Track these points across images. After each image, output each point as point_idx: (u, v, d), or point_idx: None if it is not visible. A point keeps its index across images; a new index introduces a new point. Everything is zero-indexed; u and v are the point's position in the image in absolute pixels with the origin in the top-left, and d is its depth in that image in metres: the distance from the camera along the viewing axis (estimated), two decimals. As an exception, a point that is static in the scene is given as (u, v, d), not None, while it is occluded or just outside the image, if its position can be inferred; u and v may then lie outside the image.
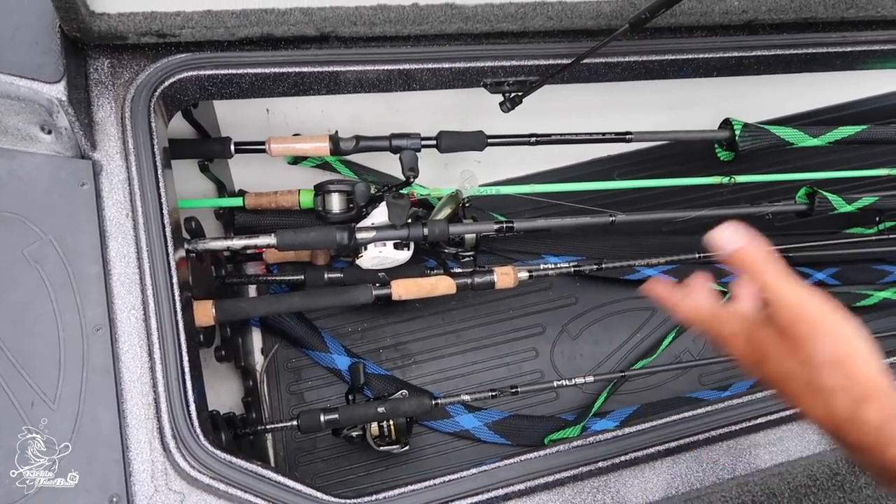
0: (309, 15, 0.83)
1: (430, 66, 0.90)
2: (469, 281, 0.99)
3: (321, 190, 1.07)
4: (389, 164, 1.24)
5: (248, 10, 0.82)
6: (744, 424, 0.82)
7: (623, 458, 0.78)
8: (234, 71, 0.85)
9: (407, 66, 0.89)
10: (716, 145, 1.18)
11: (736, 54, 0.99)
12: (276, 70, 0.86)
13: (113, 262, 0.76)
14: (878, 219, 1.21)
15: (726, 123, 1.15)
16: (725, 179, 1.18)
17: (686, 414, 0.81)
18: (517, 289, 1.29)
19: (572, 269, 1.04)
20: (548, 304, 1.30)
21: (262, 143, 1.03)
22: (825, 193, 1.12)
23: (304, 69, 0.87)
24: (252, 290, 1.26)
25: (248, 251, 1.23)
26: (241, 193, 1.15)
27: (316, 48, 0.87)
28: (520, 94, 0.98)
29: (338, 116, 1.17)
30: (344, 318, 1.26)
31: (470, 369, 1.24)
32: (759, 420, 0.82)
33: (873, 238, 1.22)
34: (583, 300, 1.30)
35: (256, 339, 1.25)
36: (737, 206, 1.16)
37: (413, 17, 0.86)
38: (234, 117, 1.14)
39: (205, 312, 0.90)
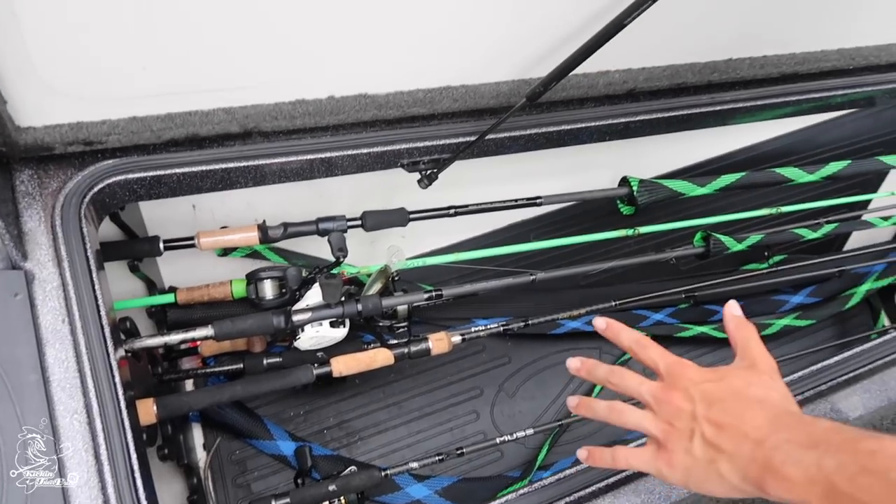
0: (231, 114, 0.89)
1: (349, 152, 0.97)
2: (405, 350, 1.03)
3: (253, 278, 1.10)
4: (318, 247, 1.29)
5: (173, 113, 0.87)
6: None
7: (568, 500, 0.82)
8: (161, 172, 0.89)
9: (328, 154, 0.95)
10: (618, 201, 1.29)
11: (623, 120, 1.10)
12: (203, 168, 0.90)
13: (52, 368, 0.76)
14: (766, 254, 1.34)
15: (624, 181, 1.26)
16: (630, 231, 1.28)
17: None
18: (453, 354, 1.34)
19: (501, 329, 1.10)
20: (483, 366, 1.35)
21: (191, 239, 1.06)
22: (718, 236, 1.23)
23: (230, 165, 0.91)
24: (190, 386, 1.25)
25: (185, 346, 1.24)
26: (172, 290, 1.17)
27: (240, 144, 0.92)
28: (435, 170, 1.05)
29: (264, 206, 1.22)
30: (285, 403, 1.26)
31: (415, 439, 1.26)
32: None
33: (766, 272, 1.34)
34: (515, 359, 1.36)
35: (198, 434, 1.23)
36: (643, 254, 1.26)
37: (330, 109, 0.92)
38: (161, 216, 1.16)
39: (147, 411, 0.90)
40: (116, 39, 0.76)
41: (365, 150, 0.97)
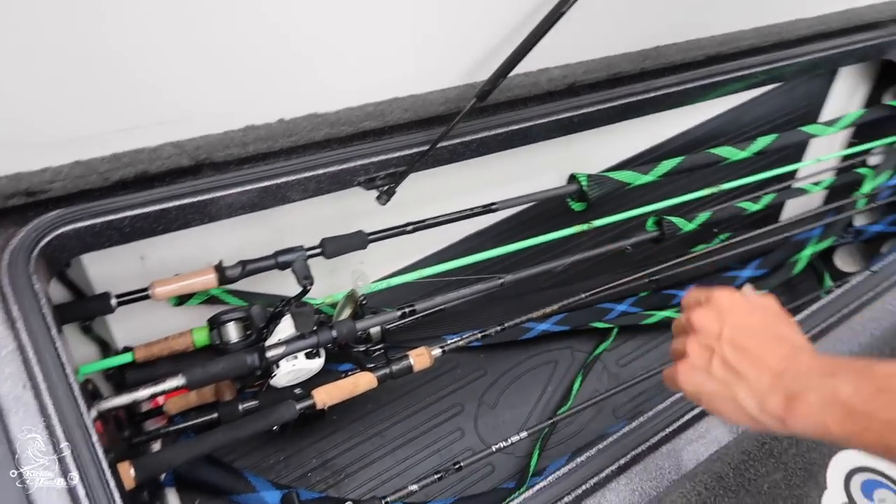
0: (181, 147, 0.85)
1: (305, 174, 0.94)
2: (388, 371, 1.00)
3: (215, 323, 1.05)
4: (278, 284, 1.24)
5: (119, 152, 0.82)
6: (673, 426, 0.88)
7: (583, 488, 0.81)
8: (112, 217, 0.84)
9: (284, 179, 0.93)
10: (568, 199, 1.31)
11: (567, 115, 1.13)
12: (157, 207, 0.86)
13: (17, 439, 0.69)
14: (715, 231, 1.38)
15: (573, 178, 1.28)
16: (586, 226, 1.30)
17: (622, 431, 0.86)
18: (428, 376, 1.32)
19: (480, 336, 1.08)
20: (459, 382, 1.33)
21: (145, 290, 1.00)
22: (670, 218, 1.27)
23: (185, 201, 0.88)
24: (159, 448, 1.17)
25: (148, 407, 1.17)
26: (128, 350, 1.10)
27: (193, 178, 0.89)
28: (392, 185, 1.04)
29: (218, 249, 1.16)
30: (263, 452, 1.20)
31: (403, 466, 1.22)
32: (685, 418, 0.89)
33: (717, 248, 1.38)
34: (491, 370, 1.35)
35: (173, 500, 1.15)
36: (601, 246, 1.28)
37: (282, 131, 0.90)
38: (108, 272, 1.09)
39: (124, 475, 0.84)
40: (51, 78, 0.72)
41: (321, 171, 0.95)
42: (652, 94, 1.19)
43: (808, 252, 1.53)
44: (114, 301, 1.00)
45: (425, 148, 1.00)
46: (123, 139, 0.82)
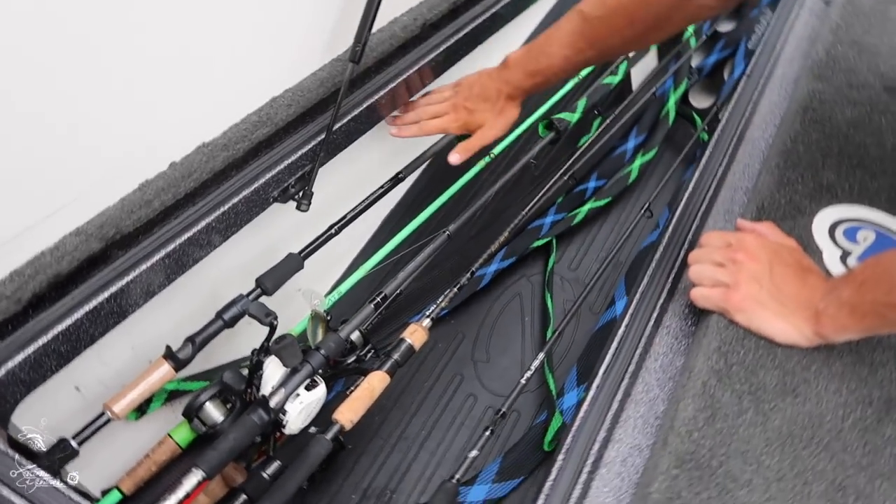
0: (83, 232, 0.76)
1: (222, 209, 0.88)
2: (393, 360, 0.95)
3: (192, 410, 0.96)
4: (229, 350, 1.15)
5: (17, 268, 0.72)
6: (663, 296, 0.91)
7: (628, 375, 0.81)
8: (44, 339, 0.74)
9: (205, 222, 0.86)
10: (459, 141, 1.31)
11: (430, 57, 1.12)
12: (88, 307, 0.76)
13: None
14: (596, 112, 1.44)
15: (455, 120, 1.28)
16: (487, 158, 1.31)
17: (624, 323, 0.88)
18: (417, 365, 1.28)
19: (456, 290, 1.06)
20: (446, 355, 1.30)
21: (101, 416, 0.90)
22: (557, 115, 1.30)
23: (115, 287, 0.78)
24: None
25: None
26: (108, 491, 0.97)
27: (111, 262, 0.79)
28: (306, 187, 0.99)
29: (151, 345, 1.05)
30: (298, 516, 1.11)
31: (439, 454, 1.18)
32: (667, 287, 0.91)
33: (599, 132, 1.43)
34: (467, 330, 1.33)
35: None
36: (511, 169, 1.29)
37: (180, 174, 0.83)
38: (48, 417, 0.96)
39: None
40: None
41: (235, 199, 0.88)
42: (490, 12, 1.22)
43: (671, 102, 1.64)
44: (74, 443, 0.88)
45: (323, 136, 0.96)
46: (15, 250, 0.72)
